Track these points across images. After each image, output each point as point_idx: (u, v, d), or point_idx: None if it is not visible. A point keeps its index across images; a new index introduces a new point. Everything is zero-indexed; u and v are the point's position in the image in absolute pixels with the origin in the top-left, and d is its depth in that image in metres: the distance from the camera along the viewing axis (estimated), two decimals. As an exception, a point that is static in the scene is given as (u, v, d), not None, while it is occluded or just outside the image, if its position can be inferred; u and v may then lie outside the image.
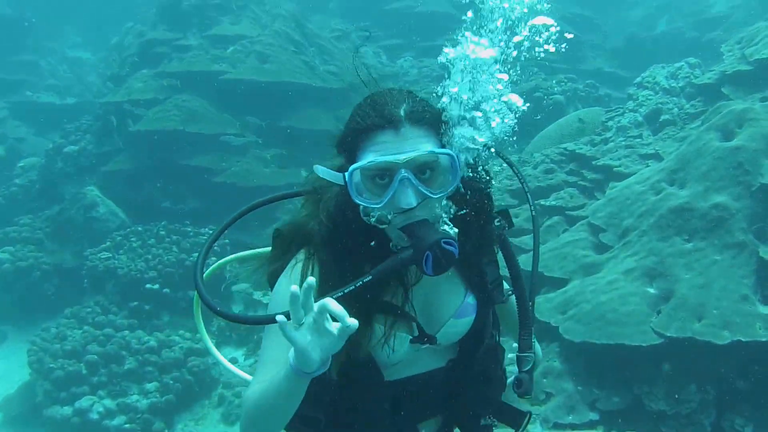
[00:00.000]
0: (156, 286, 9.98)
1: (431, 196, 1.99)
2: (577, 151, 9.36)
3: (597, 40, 18.52)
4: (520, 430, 2.46)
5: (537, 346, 2.36)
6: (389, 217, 2.01)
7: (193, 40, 13.87)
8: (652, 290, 6.35)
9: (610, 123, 9.89)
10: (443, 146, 2.04)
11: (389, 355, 2.14)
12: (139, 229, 11.09)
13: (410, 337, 2.17)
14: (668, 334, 5.84)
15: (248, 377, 2.65)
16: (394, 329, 2.12)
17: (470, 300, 2.27)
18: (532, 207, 2.41)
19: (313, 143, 12.12)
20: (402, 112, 2.00)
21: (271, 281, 2.31)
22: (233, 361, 9.42)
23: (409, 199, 1.96)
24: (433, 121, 2.04)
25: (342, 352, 1.92)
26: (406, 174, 1.95)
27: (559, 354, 6.54)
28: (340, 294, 1.91)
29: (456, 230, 2.03)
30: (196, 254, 2.46)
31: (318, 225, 2.17)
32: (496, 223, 2.26)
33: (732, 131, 6.96)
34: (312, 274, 2.05)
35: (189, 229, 11.01)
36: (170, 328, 9.75)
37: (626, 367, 6.17)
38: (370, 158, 1.98)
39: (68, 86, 19.48)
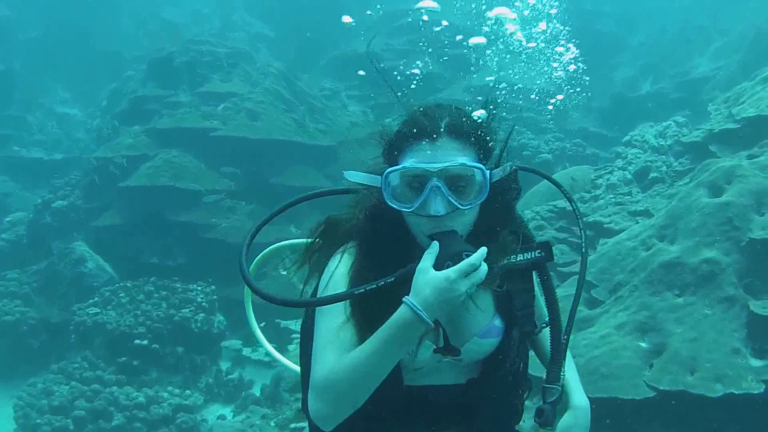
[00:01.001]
0: (145, 342, 9.91)
1: (459, 206, 2.08)
2: (567, 208, 9.43)
3: (582, 100, 18.81)
4: None
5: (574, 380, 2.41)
6: (415, 219, 2.13)
7: (184, 97, 14.03)
8: (644, 344, 6.35)
9: (599, 180, 10.01)
10: (482, 162, 2.15)
11: (411, 360, 2.21)
12: (128, 284, 11.04)
13: (434, 346, 2.23)
14: (661, 388, 5.82)
15: (297, 367, 2.70)
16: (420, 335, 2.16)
17: (497, 323, 2.33)
18: (583, 233, 2.49)
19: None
20: (442, 124, 2.12)
21: (318, 266, 2.37)
22: (222, 418, 9.33)
23: (438, 207, 2.07)
24: (474, 137, 2.16)
25: None
26: (437, 183, 2.06)
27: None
28: (362, 290, 2.04)
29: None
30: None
31: (359, 222, 2.27)
32: (537, 254, 2.32)
33: (721, 187, 7.04)
34: (354, 264, 2.20)
35: (178, 285, 10.97)
36: (159, 384, 9.66)
37: (620, 420, 6.15)
38: (406, 164, 2.11)
39: (56, 142, 19.56)
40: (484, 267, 2.02)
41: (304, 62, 19.54)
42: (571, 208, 2.52)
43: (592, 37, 21.96)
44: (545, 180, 2.69)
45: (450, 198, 2.08)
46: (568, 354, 2.42)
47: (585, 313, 7.19)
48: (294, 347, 9.85)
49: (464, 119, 2.16)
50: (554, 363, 2.33)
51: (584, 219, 2.58)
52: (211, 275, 11.27)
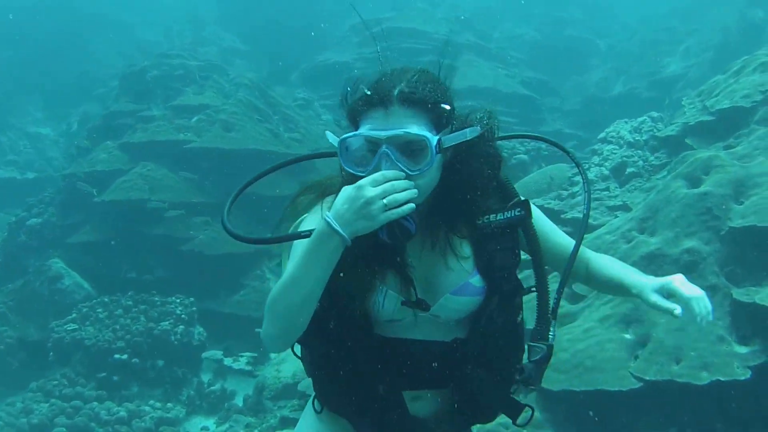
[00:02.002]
0: (124, 357, 9.77)
1: (408, 173, 2.13)
2: (545, 206, 9.45)
3: (555, 102, 18.94)
4: (518, 421, 2.52)
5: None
6: None
7: (157, 111, 13.92)
8: (628, 336, 6.34)
9: (576, 178, 10.02)
10: (439, 129, 2.21)
11: (378, 310, 2.30)
12: (106, 299, 10.91)
13: (402, 298, 2.29)
14: (647, 378, 5.82)
15: None
16: (386, 284, 2.28)
17: (476, 281, 2.35)
18: (587, 193, 2.67)
19: (279, 209, 12.04)
20: (395, 92, 2.17)
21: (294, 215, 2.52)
22: (205, 430, 9.22)
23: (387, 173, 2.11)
24: (429, 104, 2.19)
25: (339, 293, 2.24)
26: (386, 149, 2.13)
27: (538, 403, 6.48)
28: (306, 233, 2.16)
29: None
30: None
31: (336, 183, 2.40)
32: (516, 213, 2.36)
33: (698, 178, 7.07)
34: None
35: (156, 299, 10.84)
36: (140, 398, 9.53)
37: (607, 413, 6.12)
38: (360, 131, 2.19)
39: (29, 161, 19.38)
40: (403, 185, 2.07)
41: (277, 74, 19.53)
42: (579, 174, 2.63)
43: (564, 41, 22.19)
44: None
45: (399, 164, 2.13)
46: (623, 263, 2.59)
47: (568, 307, 7.18)
48: (275, 355, 9.77)
49: (421, 86, 2.20)
50: (540, 321, 2.39)
51: (586, 173, 2.81)
52: (190, 287, 11.17)
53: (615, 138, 10.70)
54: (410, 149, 2.16)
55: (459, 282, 2.33)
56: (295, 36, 22.35)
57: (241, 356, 10.29)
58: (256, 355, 10.28)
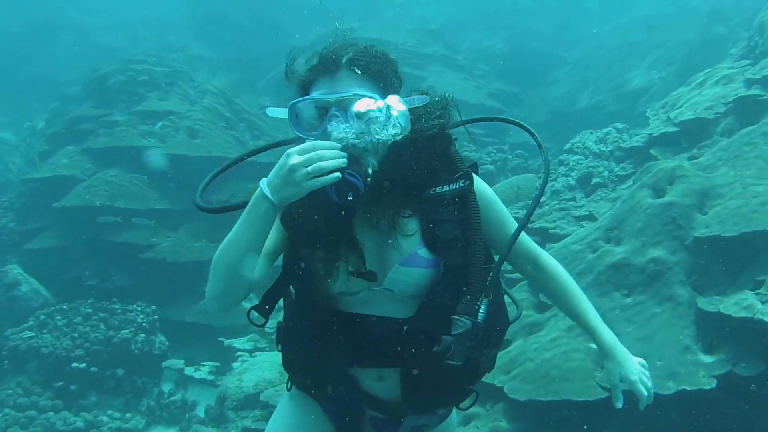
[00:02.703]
0: (83, 365, 9.56)
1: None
2: (512, 215, 9.44)
3: (522, 114, 18.99)
4: (463, 407, 2.59)
5: None
6: None
7: (121, 116, 13.69)
8: (595, 346, 6.31)
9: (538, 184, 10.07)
10: (386, 95, 2.29)
11: (329, 278, 2.36)
12: (65, 307, 10.67)
13: (352, 269, 2.34)
14: (614, 388, 5.80)
15: None
16: (333, 256, 2.34)
17: (423, 252, 2.36)
18: (546, 161, 2.72)
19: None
20: (344, 59, 2.30)
21: None
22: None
23: (336, 135, 2.22)
24: (377, 71, 2.33)
25: (295, 264, 2.40)
26: (335, 112, 2.24)
27: (505, 414, 6.44)
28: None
29: (374, 166, 2.25)
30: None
31: None
32: (460, 185, 2.39)
33: (663, 188, 7.11)
34: None
35: (117, 306, 10.62)
36: (98, 407, 9.31)
37: (574, 423, 6.10)
38: (310, 96, 2.31)
39: (-12, 166, 19.00)
40: (330, 154, 2.12)
41: (244, 81, 19.42)
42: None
43: (530, 55, 22.32)
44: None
45: (346, 126, 2.22)
46: (582, 293, 2.78)
47: (534, 317, 7.16)
48: (238, 365, 9.65)
49: (369, 54, 2.34)
50: (469, 293, 2.34)
51: (548, 156, 2.86)
52: (152, 295, 10.99)
53: (581, 148, 10.76)
54: (358, 114, 2.23)
55: (407, 252, 2.36)
56: (262, 44, 22.27)
57: (203, 366, 10.12)
58: (218, 364, 10.12)
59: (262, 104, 17.50)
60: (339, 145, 2.16)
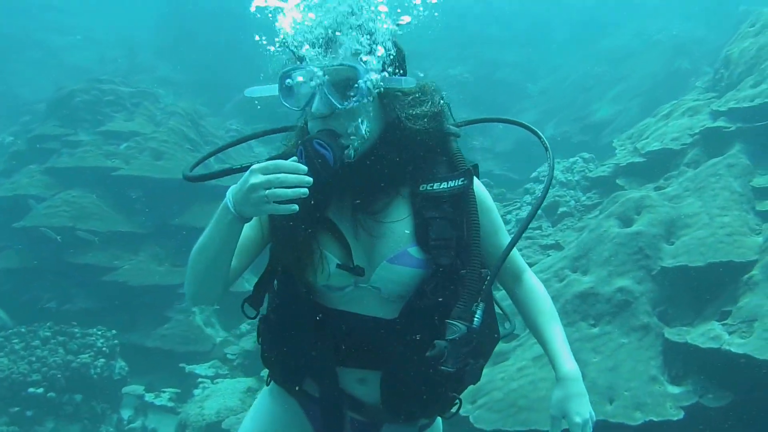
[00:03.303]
0: (40, 390, 9.31)
1: (338, 106, 2.15)
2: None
3: (487, 143, 19.06)
4: (446, 416, 2.51)
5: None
6: (311, 124, 2.25)
7: (85, 136, 13.52)
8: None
9: (509, 216, 10.08)
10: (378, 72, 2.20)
11: (315, 271, 2.29)
12: (23, 330, 10.41)
13: (338, 261, 2.26)
14: (581, 418, 5.77)
15: None
16: (323, 245, 2.28)
17: (413, 251, 2.27)
18: (551, 164, 2.53)
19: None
20: (335, 30, 2.18)
21: None
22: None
23: (318, 106, 2.15)
24: (369, 47, 2.20)
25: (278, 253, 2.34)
26: (320, 81, 2.14)
27: (472, 444, 6.38)
28: (238, 167, 2.33)
29: (356, 147, 2.18)
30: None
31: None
32: (459, 182, 2.29)
33: (630, 218, 7.15)
34: None
35: (76, 330, 10.38)
36: (55, 434, 9.10)
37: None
38: (294, 66, 2.22)
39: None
40: (292, 180, 2.01)
41: (211, 104, 19.31)
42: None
43: (495, 84, 22.48)
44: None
45: (330, 97, 2.14)
46: (556, 315, 2.53)
47: (500, 346, 7.09)
48: (199, 392, 9.47)
49: (357, 31, 2.20)
50: (463, 299, 2.23)
51: (554, 158, 2.61)
52: (113, 319, 10.79)
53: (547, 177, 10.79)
54: (345, 86, 2.16)
55: (396, 249, 2.27)
56: (229, 67, 22.19)
57: (164, 392, 9.93)
58: (179, 391, 9.93)
59: (228, 127, 17.44)
60: (305, 169, 2.04)
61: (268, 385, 2.69)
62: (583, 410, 2.42)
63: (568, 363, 2.47)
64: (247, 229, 2.34)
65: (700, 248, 6.53)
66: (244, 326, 11.22)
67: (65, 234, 11.49)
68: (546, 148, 2.52)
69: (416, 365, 2.23)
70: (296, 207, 2.02)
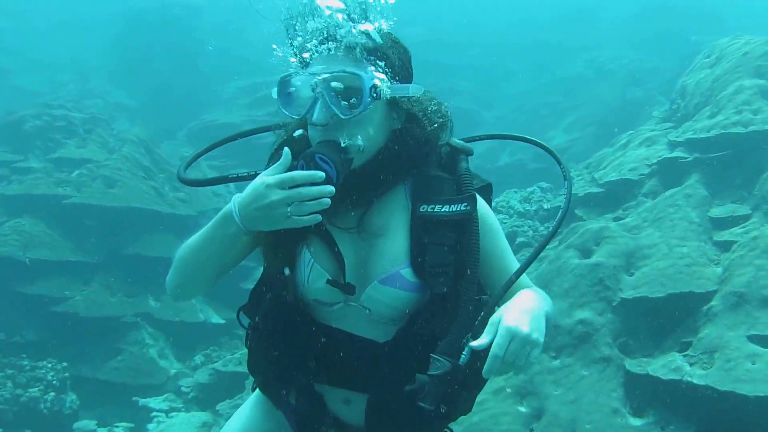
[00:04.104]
0: (-14, 426, 9.06)
1: (340, 116, 2.05)
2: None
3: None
4: None
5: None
6: (311, 132, 2.15)
7: (36, 163, 13.26)
8: (523, 409, 6.29)
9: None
10: (383, 80, 2.11)
11: (303, 283, 2.20)
12: (-32, 362, 10.14)
13: (328, 276, 2.16)
14: (544, 452, 5.74)
15: None
16: (314, 256, 2.19)
17: (407, 274, 2.16)
18: (568, 185, 2.44)
19: (162, 271, 11.63)
20: (341, 36, 2.09)
21: None
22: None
23: (319, 115, 2.06)
24: (375, 54, 2.12)
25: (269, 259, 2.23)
26: (321, 90, 2.05)
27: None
28: (234, 175, 2.28)
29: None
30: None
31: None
32: (462, 207, 2.17)
33: (590, 249, 7.17)
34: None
35: (25, 363, 10.12)
36: (2, 472, 8.82)
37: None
38: (297, 71, 2.14)
39: None
40: (313, 192, 1.95)
41: (164, 131, 19.07)
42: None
43: (451, 111, 22.56)
44: None
45: (333, 107, 2.06)
46: (547, 298, 2.23)
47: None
48: (153, 426, 9.26)
49: (365, 35, 2.11)
50: (454, 332, 2.10)
51: (571, 177, 2.57)
52: (63, 351, 10.52)
53: (505, 207, 10.83)
54: (349, 94, 2.07)
55: (389, 270, 2.17)
56: (183, 93, 22.02)
57: (117, 427, 9.68)
58: (132, 425, 9.69)
59: (182, 154, 17.21)
60: (322, 176, 1.96)
61: (253, 391, 2.64)
62: (522, 324, 1.94)
63: (525, 292, 2.13)
64: None
65: (660, 279, 6.55)
66: (199, 357, 11.04)
67: (11, 265, 11.20)
68: (558, 162, 2.49)
69: (403, 393, 2.10)
70: (320, 217, 1.99)
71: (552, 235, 2.33)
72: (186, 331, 11.28)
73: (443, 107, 2.33)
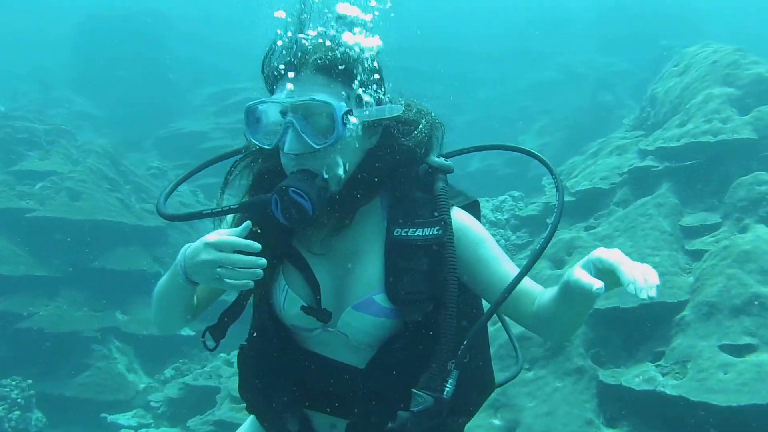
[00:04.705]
0: (-54, 448, 8.85)
1: (313, 145, 1.97)
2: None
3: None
4: None
5: None
6: (284, 160, 2.06)
7: (-4, 176, 13.02)
8: (497, 422, 6.24)
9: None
10: (359, 103, 2.03)
11: (280, 310, 2.17)
12: (-72, 383, 9.91)
13: (303, 303, 2.13)
14: (518, 466, 5.69)
15: None
16: (289, 283, 2.14)
17: (380, 299, 2.08)
18: (560, 194, 2.27)
19: (129, 284, 11.49)
20: (310, 59, 2.00)
21: None
22: None
23: (291, 144, 1.97)
24: (346, 75, 2.02)
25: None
26: (291, 119, 1.97)
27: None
28: (209, 210, 2.08)
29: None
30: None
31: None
32: (434, 231, 2.07)
33: (562, 259, 7.14)
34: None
35: (-12, 381, 9.94)
36: (-36, 497, 8.61)
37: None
38: (263, 99, 2.05)
39: None
40: (245, 261, 1.91)
41: (131, 140, 18.87)
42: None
43: (434, 121, 22.58)
44: None
45: (304, 136, 1.97)
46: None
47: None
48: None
49: (338, 56, 2.02)
50: (435, 363, 2.02)
51: (562, 183, 2.36)
52: (28, 368, 10.30)
53: (476, 216, 10.78)
54: (320, 121, 1.99)
55: (363, 295, 2.10)
56: (149, 102, 21.81)
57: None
58: (100, 444, 9.53)
59: (149, 165, 17.03)
60: (258, 247, 1.92)
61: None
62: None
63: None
64: None
65: (632, 289, 6.51)
66: (168, 371, 10.86)
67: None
68: (551, 171, 2.35)
69: (383, 421, 2.05)
70: (251, 284, 1.94)
71: (548, 241, 2.18)
72: (155, 344, 11.10)
73: (425, 119, 2.23)
